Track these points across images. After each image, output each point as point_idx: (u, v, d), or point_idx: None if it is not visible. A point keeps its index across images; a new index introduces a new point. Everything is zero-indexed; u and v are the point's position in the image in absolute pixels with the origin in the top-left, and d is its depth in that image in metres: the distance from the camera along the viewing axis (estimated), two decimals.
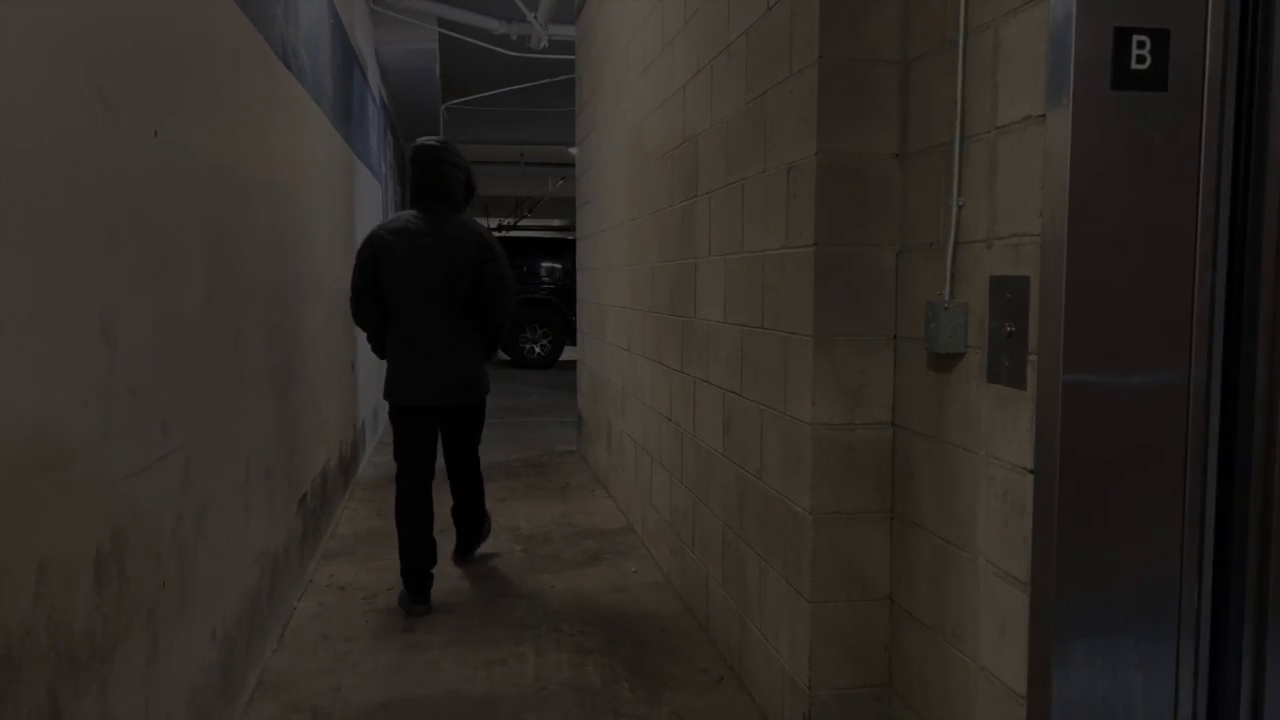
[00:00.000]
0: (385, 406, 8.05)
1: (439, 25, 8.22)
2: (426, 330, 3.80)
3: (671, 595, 3.91)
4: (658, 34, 4.13)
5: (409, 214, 3.89)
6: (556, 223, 24.92)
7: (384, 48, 8.40)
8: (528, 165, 17.37)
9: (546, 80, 10.30)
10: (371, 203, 7.54)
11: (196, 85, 2.41)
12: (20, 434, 1.50)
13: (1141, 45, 1.67)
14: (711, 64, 3.29)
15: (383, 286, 3.80)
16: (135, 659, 1.96)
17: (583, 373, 7.00)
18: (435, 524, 3.93)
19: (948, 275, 2.13)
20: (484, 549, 4.51)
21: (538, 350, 14.17)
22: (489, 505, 4.91)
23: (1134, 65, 1.67)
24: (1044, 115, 1.77)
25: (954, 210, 2.11)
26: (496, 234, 16.16)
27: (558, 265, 14.54)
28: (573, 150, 7.62)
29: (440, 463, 4.04)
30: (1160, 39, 1.67)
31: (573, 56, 7.62)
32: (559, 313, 13.94)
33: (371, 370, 6.98)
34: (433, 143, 3.95)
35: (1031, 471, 1.83)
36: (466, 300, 3.85)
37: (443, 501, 4.20)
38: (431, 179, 3.86)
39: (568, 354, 14.27)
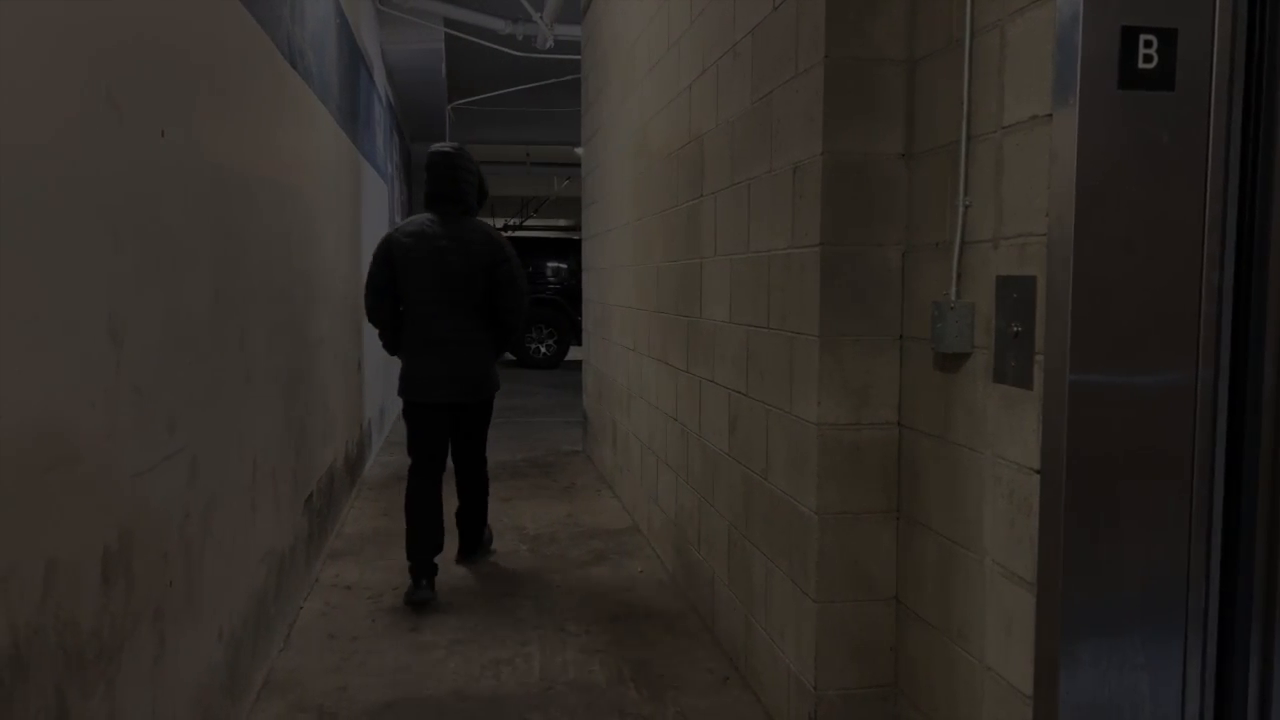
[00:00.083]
0: (391, 406, 8.09)
1: (445, 25, 8.23)
2: (441, 330, 3.92)
3: (677, 595, 3.91)
4: (663, 34, 4.13)
5: (424, 217, 4.02)
6: (562, 223, 24.91)
7: (390, 48, 8.41)
8: (533, 165, 17.37)
9: (552, 80, 10.30)
10: (378, 203, 7.55)
11: (203, 85, 2.41)
12: (27, 433, 1.50)
13: (1149, 44, 1.67)
14: (717, 64, 3.29)
15: (399, 287, 3.94)
16: (142, 658, 1.96)
17: (588, 372, 7.01)
18: (443, 526, 3.97)
19: (954, 275, 2.13)
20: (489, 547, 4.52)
21: (543, 350, 14.18)
22: (493, 506, 4.92)
23: (1141, 65, 1.67)
24: (1050, 115, 1.77)
25: (960, 210, 2.10)
26: (503, 234, 16.15)
27: (563, 265, 14.55)
28: (578, 150, 7.62)
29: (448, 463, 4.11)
30: (1167, 38, 1.67)
31: (578, 56, 7.62)
32: (565, 313, 13.94)
33: (378, 370, 6.99)
34: (447, 148, 4.06)
35: (1038, 471, 1.82)
36: (480, 301, 3.98)
37: (449, 502, 4.21)
38: (446, 183, 3.99)
39: (573, 354, 14.26)
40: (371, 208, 6.99)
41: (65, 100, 1.64)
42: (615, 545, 4.65)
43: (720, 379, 3.33)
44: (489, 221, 4.14)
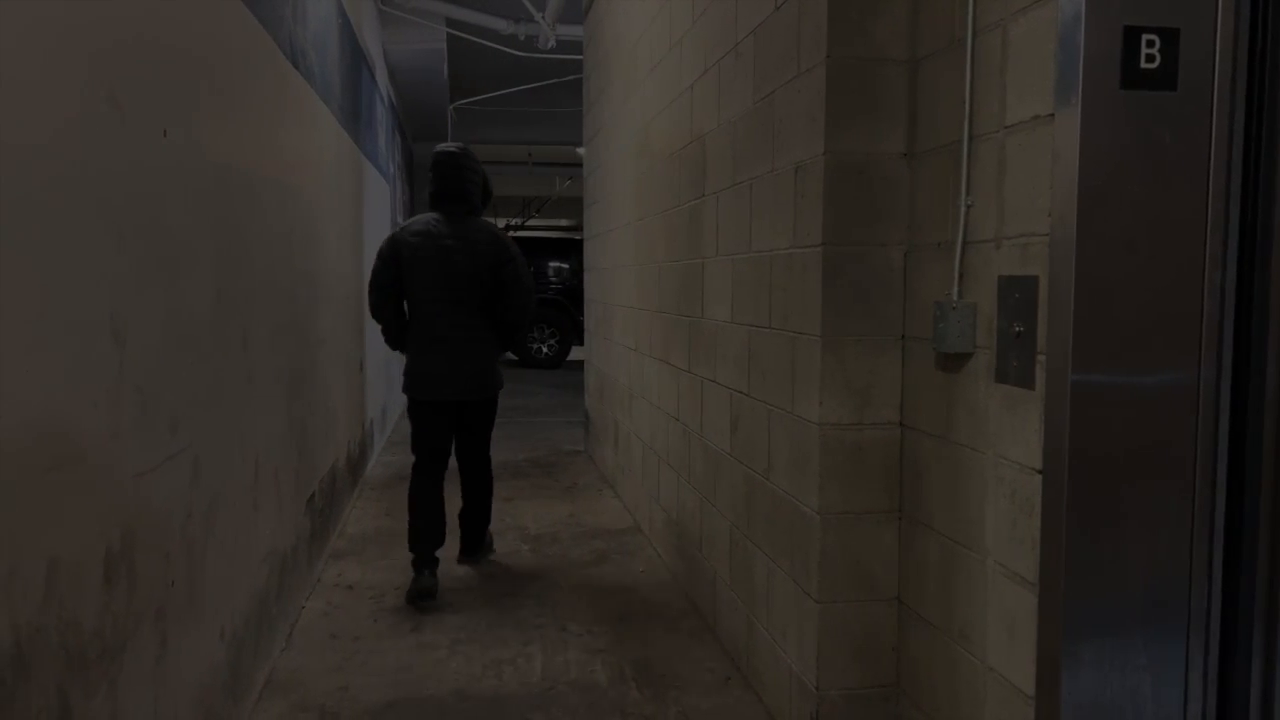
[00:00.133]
0: (393, 406, 8.09)
1: (447, 25, 8.24)
2: (446, 328, 3.95)
3: (679, 595, 3.91)
4: (665, 34, 4.13)
5: (430, 216, 4.04)
6: (564, 222, 24.91)
7: (392, 48, 8.41)
8: (535, 165, 17.37)
9: (554, 80, 10.30)
10: (380, 203, 7.55)
11: (205, 85, 2.42)
12: (30, 433, 1.50)
13: (1151, 44, 1.66)
14: (719, 64, 3.28)
15: (404, 285, 3.97)
16: (144, 658, 1.96)
17: (590, 372, 7.01)
18: (445, 521, 4.00)
19: (956, 275, 2.12)
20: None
21: (545, 350, 14.18)
22: (495, 505, 4.92)
23: (1144, 64, 1.67)
24: (1053, 115, 1.77)
25: (962, 210, 2.10)
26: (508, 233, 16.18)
27: (565, 265, 14.55)
28: (580, 150, 7.62)
29: (451, 462, 4.13)
30: (1170, 38, 1.67)
31: (580, 56, 7.62)
32: (566, 312, 13.94)
33: (380, 370, 6.99)
34: (452, 149, 4.09)
35: (1040, 472, 1.82)
36: (485, 300, 4.01)
37: (452, 502, 4.21)
38: (451, 183, 4.01)
39: (575, 354, 14.27)
40: (374, 207, 6.99)
41: (66, 100, 1.64)
42: (617, 545, 4.65)
43: (722, 379, 3.33)
44: (488, 220, 4.15)
